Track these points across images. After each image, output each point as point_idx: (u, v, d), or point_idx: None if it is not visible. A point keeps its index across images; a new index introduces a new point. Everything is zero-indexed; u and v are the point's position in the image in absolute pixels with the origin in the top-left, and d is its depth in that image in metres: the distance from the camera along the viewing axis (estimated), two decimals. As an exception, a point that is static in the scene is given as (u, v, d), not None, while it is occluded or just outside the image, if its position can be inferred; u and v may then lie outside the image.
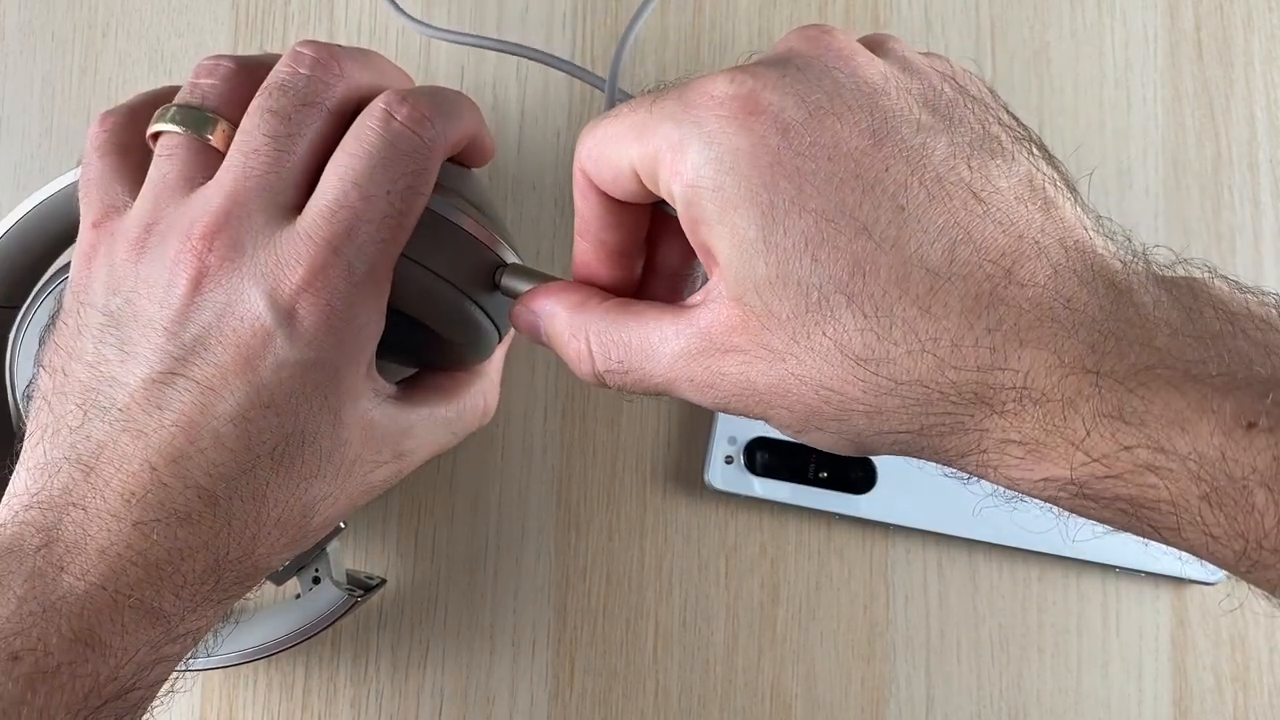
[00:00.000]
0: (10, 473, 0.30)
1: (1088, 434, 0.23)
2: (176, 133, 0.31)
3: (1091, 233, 0.25)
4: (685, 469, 0.44)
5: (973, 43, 0.46)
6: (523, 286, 0.32)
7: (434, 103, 0.31)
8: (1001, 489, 0.26)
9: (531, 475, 0.44)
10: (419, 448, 0.34)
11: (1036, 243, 0.25)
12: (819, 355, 0.25)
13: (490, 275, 0.33)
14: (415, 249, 0.31)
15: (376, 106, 0.30)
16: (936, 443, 0.25)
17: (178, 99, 0.32)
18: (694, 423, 0.44)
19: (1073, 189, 0.26)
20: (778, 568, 0.43)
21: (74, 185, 0.34)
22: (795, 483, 0.42)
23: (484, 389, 0.37)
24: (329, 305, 0.29)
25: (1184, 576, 0.42)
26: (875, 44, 0.28)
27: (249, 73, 0.31)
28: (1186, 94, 0.45)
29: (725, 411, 0.28)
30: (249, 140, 0.30)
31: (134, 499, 0.28)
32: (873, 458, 0.42)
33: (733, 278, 0.26)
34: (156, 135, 0.31)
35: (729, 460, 0.42)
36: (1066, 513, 0.25)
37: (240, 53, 0.39)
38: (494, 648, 0.43)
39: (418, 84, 0.33)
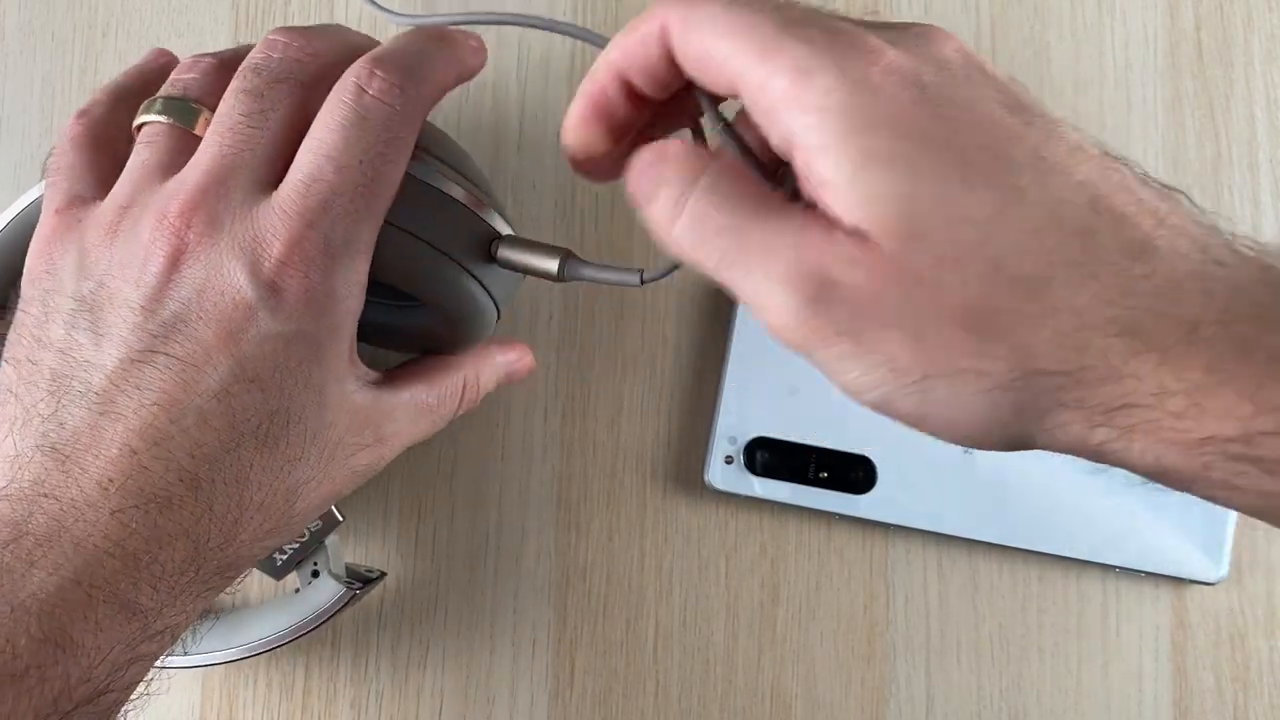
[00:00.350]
0: None
1: (1260, 385, 0.21)
2: (161, 123, 0.31)
3: (1215, 221, 0.25)
4: (685, 469, 0.44)
5: (973, 43, 0.46)
6: (521, 257, 0.32)
7: (406, 67, 0.30)
8: (1141, 472, 0.24)
9: (531, 475, 0.44)
10: (400, 431, 0.34)
11: (1169, 216, 0.24)
12: (967, 274, 0.23)
13: (485, 246, 0.33)
14: (405, 218, 0.31)
15: (348, 79, 0.30)
16: (1086, 395, 0.23)
17: (161, 92, 0.32)
18: (694, 423, 0.44)
19: (1184, 194, 0.26)
20: (778, 568, 0.43)
21: None
22: (795, 483, 0.42)
23: (467, 375, 0.36)
24: (308, 278, 0.29)
25: (1184, 576, 0.42)
26: None
27: (228, 66, 0.31)
28: (1186, 94, 0.45)
29: (803, 340, 0.24)
30: (224, 120, 0.30)
31: (112, 486, 0.27)
32: (872, 457, 0.42)
33: (857, 198, 0.23)
34: (140, 128, 0.32)
35: (729, 460, 0.42)
36: (1211, 494, 0.23)
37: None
38: (494, 648, 0.43)
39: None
